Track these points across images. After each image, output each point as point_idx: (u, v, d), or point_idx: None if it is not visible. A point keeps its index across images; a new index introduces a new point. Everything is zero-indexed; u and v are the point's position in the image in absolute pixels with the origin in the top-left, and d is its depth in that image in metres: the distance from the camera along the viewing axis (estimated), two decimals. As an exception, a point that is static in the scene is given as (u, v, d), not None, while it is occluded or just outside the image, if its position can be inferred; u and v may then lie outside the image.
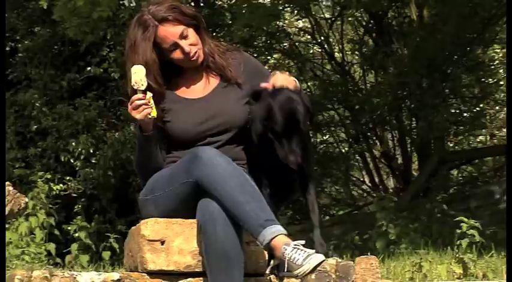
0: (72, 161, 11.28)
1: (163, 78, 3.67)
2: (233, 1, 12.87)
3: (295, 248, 3.09)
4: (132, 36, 3.68)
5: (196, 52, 3.67)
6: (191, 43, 3.66)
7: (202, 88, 3.76)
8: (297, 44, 15.06)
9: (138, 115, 3.48)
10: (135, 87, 3.49)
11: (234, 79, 3.74)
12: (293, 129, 3.45)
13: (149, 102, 3.49)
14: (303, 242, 3.13)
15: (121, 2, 12.72)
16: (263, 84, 3.56)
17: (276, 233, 3.13)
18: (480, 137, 16.28)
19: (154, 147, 3.61)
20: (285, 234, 3.15)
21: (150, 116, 3.49)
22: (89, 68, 11.92)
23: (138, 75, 3.50)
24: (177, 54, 3.67)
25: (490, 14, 11.76)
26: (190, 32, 3.67)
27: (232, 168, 3.28)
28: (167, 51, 3.65)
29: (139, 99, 3.48)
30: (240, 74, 3.75)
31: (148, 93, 3.49)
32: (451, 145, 14.70)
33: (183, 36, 3.64)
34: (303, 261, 3.06)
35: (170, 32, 3.63)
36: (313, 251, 3.11)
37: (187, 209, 3.40)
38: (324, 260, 3.11)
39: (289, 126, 3.44)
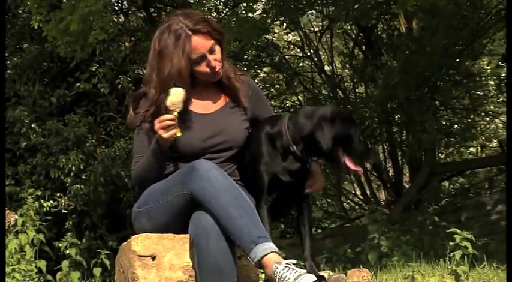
0: (62, 177, 11.25)
1: None
2: (222, 15, 12.89)
3: (286, 266, 3.07)
4: (162, 42, 3.64)
5: (220, 70, 3.69)
6: (216, 59, 3.67)
7: (210, 104, 3.77)
8: (286, 57, 15.08)
9: (165, 134, 3.46)
10: (170, 109, 3.48)
11: (242, 103, 3.77)
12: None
13: (177, 122, 3.49)
14: (294, 261, 3.11)
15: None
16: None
17: (267, 251, 3.11)
18: (471, 149, 16.31)
19: (165, 161, 3.60)
20: (277, 252, 3.13)
21: (175, 136, 3.49)
22: (78, 84, 11.90)
23: (177, 98, 3.49)
24: (202, 67, 3.66)
25: (479, 26, 11.79)
26: (217, 48, 3.68)
27: (228, 182, 3.27)
28: (193, 62, 3.65)
29: (171, 119, 3.47)
30: (246, 99, 3.78)
31: (175, 113, 3.49)
32: (442, 157, 14.72)
33: (211, 51, 3.65)
34: (293, 280, 3.04)
35: (202, 44, 3.63)
36: (305, 271, 3.09)
37: (180, 222, 3.38)
38: (315, 281, 3.09)
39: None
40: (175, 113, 3.48)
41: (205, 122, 3.67)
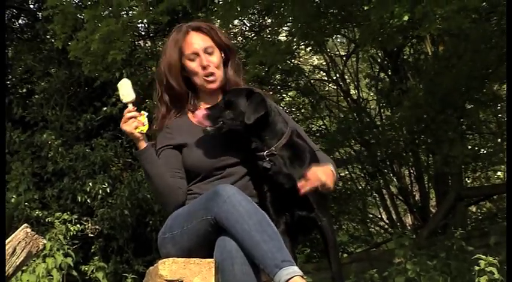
0: (89, 201, 11.27)
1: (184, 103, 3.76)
2: (248, 39, 12.93)
3: (310, 290, 3.08)
4: (166, 43, 3.79)
5: (213, 73, 3.71)
6: (211, 61, 3.70)
7: None
8: (312, 81, 15.10)
9: (127, 127, 3.55)
10: (123, 101, 3.58)
11: None
12: None
13: (140, 116, 3.55)
14: (318, 285, 3.11)
15: (136, 43, 12.82)
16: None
17: (291, 275, 3.11)
18: (498, 173, 16.19)
19: (152, 165, 3.61)
20: (301, 276, 3.13)
21: (139, 130, 3.53)
22: (104, 109, 11.96)
23: (124, 88, 3.61)
24: (194, 65, 3.72)
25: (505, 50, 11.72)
26: (217, 53, 3.73)
27: (251, 206, 3.27)
28: (186, 58, 3.69)
29: (129, 111, 3.55)
30: None
31: (143, 111, 3.57)
32: (469, 181, 14.62)
33: (207, 51, 3.70)
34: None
35: (197, 40, 3.72)
36: (328, 294, 3.10)
37: (204, 247, 3.39)
38: None
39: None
40: (130, 105, 3.57)
41: (217, 137, 3.69)
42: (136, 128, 3.54)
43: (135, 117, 3.54)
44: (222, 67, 3.77)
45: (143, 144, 3.59)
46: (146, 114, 3.58)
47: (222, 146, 3.65)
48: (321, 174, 3.50)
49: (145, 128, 3.56)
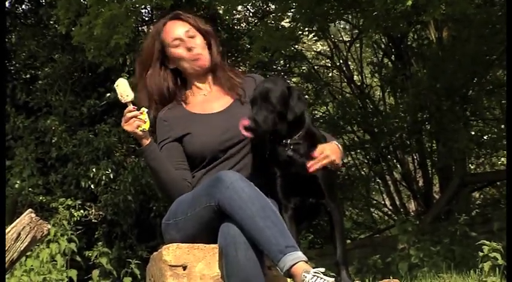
0: (92, 187, 11.27)
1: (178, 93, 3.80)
2: (252, 25, 12.89)
3: (315, 275, 3.06)
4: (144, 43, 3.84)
5: (200, 54, 3.75)
6: (197, 44, 3.75)
7: (216, 104, 3.81)
8: (315, 67, 15.07)
9: (128, 127, 3.56)
10: (122, 101, 3.57)
11: (243, 97, 3.79)
12: None
13: (141, 114, 3.55)
14: (322, 269, 3.10)
15: (140, 29, 12.80)
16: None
17: (296, 260, 3.10)
18: (502, 159, 16.16)
19: (157, 161, 3.64)
20: (305, 261, 3.12)
21: (141, 128, 3.54)
22: (108, 94, 11.94)
23: (122, 88, 3.60)
24: (179, 51, 3.76)
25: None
26: (199, 37, 3.77)
27: (254, 192, 3.26)
28: (170, 46, 3.74)
29: (130, 111, 3.55)
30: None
31: (143, 108, 3.57)
32: (472, 167, 14.60)
33: (189, 35, 3.75)
34: (322, 289, 3.04)
35: (176, 27, 3.77)
36: (333, 279, 3.08)
37: (208, 234, 3.38)
38: None
39: None
40: (130, 104, 3.56)
41: (217, 120, 3.72)
42: (138, 126, 3.55)
43: (136, 116, 3.55)
44: (206, 49, 3.81)
45: (146, 142, 3.61)
46: (146, 110, 3.58)
47: (223, 127, 3.66)
48: (328, 151, 3.51)
49: (147, 125, 3.56)
